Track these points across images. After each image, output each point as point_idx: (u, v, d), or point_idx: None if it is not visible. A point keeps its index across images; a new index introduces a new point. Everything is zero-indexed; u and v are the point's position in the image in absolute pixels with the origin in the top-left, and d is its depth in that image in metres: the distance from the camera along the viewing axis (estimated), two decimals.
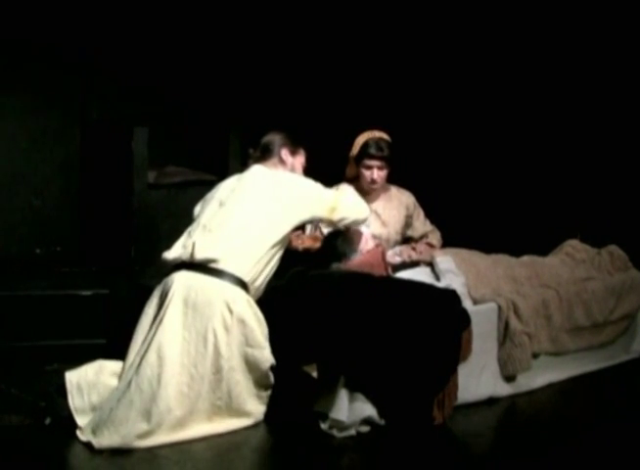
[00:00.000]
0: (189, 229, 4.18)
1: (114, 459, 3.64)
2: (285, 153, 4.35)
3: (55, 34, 5.80)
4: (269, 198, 4.10)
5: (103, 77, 6.00)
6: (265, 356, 3.99)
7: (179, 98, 6.28)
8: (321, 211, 4.21)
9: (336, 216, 4.25)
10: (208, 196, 4.31)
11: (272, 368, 4.03)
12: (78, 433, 3.81)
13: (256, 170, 4.28)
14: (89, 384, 3.94)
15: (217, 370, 3.91)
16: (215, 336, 3.90)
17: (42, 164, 5.86)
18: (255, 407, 4.02)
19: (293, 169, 4.35)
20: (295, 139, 4.41)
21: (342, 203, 4.25)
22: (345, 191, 4.45)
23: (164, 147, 6.07)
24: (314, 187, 4.24)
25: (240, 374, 3.95)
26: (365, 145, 4.80)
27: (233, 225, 4.04)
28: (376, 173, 4.80)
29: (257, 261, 4.03)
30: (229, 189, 4.20)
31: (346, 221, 4.32)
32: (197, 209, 4.32)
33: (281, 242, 4.12)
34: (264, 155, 4.36)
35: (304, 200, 4.15)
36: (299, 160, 4.41)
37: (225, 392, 3.93)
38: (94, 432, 3.76)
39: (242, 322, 3.94)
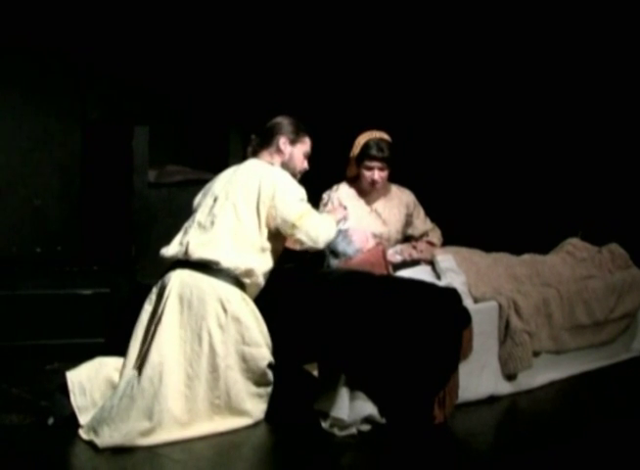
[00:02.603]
0: (186, 225, 4.18)
1: (115, 458, 3.64)
2: (283, 142, 4.27)
3: (55, 34, 5.79)
4: (256, 196, 4.06)
5: (103, 77, 6.00)
6: (262, 354, 3.99)
7: (179, 97, 6.29)
8: (283, 224, 4.06)
9: (294, 235, 4.07)
10: (207, 187, 4.30)
11: (271, 366, 4.03)
12: (81, 432, 3.82)
13: (250, 165, 4.23)
14: (91, 381, 3.94)
15: (214, 369, 3.92)
16: (210, 334, 3.91)
17: (43, 164, 5.86)
18: (255, 406, 4.02)
19: (291, 159, 4.27)
20: (298, 126, 4.33)
21: (304, 225, 4.04)
22: (316, 215, 4.18)
23: (165, 146, 6.07)
24: (288, 198, 4.06)
25: (237, 373, 3.96)
26: (366, 146, 4.78)
27: (226, 223, 4.03)
28: (377, 174, 4.79)
29: (251, 258, 4.03)
30: (224, 183, 4.18)
31: (303, 246, 4.12)
32: (196, 200, 4.31)
33: (271, 239, 4.10)
34: (263, 143, 4.31)
35: (275, 207, 4.04)
36: (301, 148, 4.32)
37: (223, 391, 3.93)
38: (95, 430, 3.77)
39: (237, 320, 3.95)
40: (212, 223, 4.05)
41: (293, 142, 4.29)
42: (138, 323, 4.06)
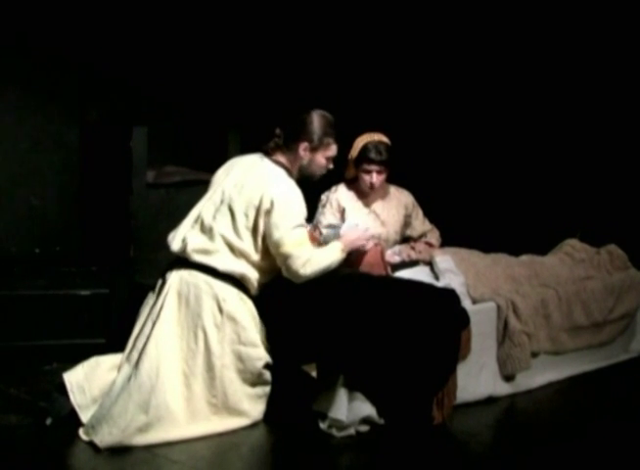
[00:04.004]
0: (194, 213, 4.11)
1: (113, 459, 3.65)
2: (304, 148, 4.10)
3: (54, 34, 5.79)
4: (254, 213, 3.97)
5: (102, 77, 6.00)
6: (259, 354, 3.99)
7: (178, 97, 6.28)
8: (273, 248, 3.97)
9: (280, 263, 3.98)
10: (227, 167, 4.20)
11: (268, 366, 4.03)
12: (80, 432, 3.82)
13: (260, 172, 4.07)
14: (89, 380, 3.95)
15: (210, 368, 3.93)
16: (205, 333, 3.92)
17: (41, 164, 5.86)
18: (253, 406, 4.02)
19: (310, 164, 4.13)
20: (325, 130, 4.11)
21: (293, 254, 3.93)
22: (307, 249, 4.01)
23: (163, 146, 6.07)
24: (284, 222, 3.94)
25: (233, 372, 3.96)
26: (364, 149, 4.77)
27: (224, 234, 3.98)
28: (375, 177, 4.78)
29: (247, 268, 4.00)
30: (233, 183, 4.07)
31: (285, 273, 4.01)
32: (216, 177, 4.20)
33: (269, 256, 4.04)
34: (285, 142, 4.13)
35: (269, 227, 3.95)
36: (323, 154, 4.14)
37: (220, 390, 3.94)
38: (94, 428, 3.78)
39: (233, 320, 3.95)
40: (212, 231, 4.00)
41: (314, 149, 4.12)
42: (138, 319, 4.08)
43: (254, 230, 4.00)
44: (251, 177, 4.07)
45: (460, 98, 6.50)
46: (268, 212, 3.95)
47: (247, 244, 4.00)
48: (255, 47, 6.44)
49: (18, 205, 5.80)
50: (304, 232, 4.04)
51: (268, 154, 4.19)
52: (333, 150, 4.20)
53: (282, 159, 4.17)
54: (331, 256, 4.08)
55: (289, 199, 4.00)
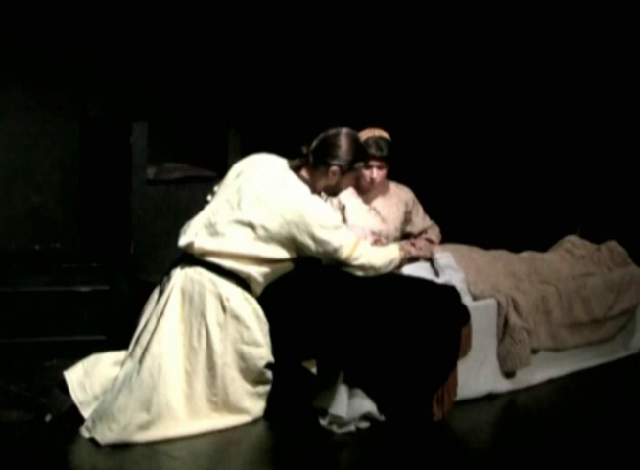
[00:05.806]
0: (208, 213, 4.04)
1: (113, 455, 3.65)
2: (334, 172, 4.04)
3: (54, 31, 5.79)
4: (277, 225, 3.91)
5: (102, 73, 6.00)
6: (261, 354, 3.99)
7: (178, 94, 6.28)
8: (330, 259, 4.04)
9: (349, 268, 4.08)
10: (241, 165, 4.14)
11: (270, 366, 4.03)
12: (82, 428, 3.82)
13: (283, 188, 3.98)
14: (90, 377, 3.95)
15: (211, 366, 3.92)
16: (208, 331, 3.91)
17: (41, 161, 5.85)
18: (254, 404, 4.02)
19: (337, 185, 4.11)
20: (356, 155, 4.07)
21: (353, 255, 4.04)
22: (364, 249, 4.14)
23: (164, 143, 6.06)
24: (330, 236, 3.96)
25: (235, 371, 3.96)
26: (365, 144, 4.76)
27: (237, 242, 3.93)
28: (375, 173, 4.78)
29: (254, 269, 3.98)
30: (255, 197, 3.96)
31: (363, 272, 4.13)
32: (231, 174, 4.14)
33: (282, 265, 4.04)
34: (313, 162, 4.05)
35: (315, 242, 3.95)
36: (352, 175, 4.14)
37: (221, 388, 3.93)
38: (95, 424, 3.78)
39: (236, 319, 3.94)
40: (224, 235, 3.94)
41: (344, 173, 4.08)
42: (142, 315, 4.07)
43: (273, 242, 3.95)
44: (276, 193, 3.98)
45: (460, 95, 6.49)
46: (303, 231, 3.93)
47: (259, 253, 3.95)
48: (256, 44, 6.44)
49: (18, 201, 5.79)
50: (350, 232, 4.12)
51: (293, 168, 4.11)
52: (358, 172, 4.28)
53: (307, 176, 4.10)
54: (387, 249, 4.33)
55: (320, 212, 4.00)
